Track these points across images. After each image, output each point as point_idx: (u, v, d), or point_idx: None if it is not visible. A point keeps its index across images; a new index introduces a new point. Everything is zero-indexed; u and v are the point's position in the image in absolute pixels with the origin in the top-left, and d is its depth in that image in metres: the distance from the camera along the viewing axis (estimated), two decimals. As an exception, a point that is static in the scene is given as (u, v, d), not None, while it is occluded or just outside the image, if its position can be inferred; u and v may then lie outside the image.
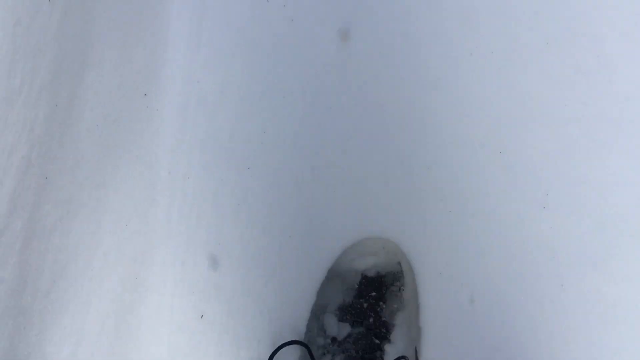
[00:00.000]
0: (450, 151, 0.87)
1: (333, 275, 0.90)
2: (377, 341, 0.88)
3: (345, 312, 0.90)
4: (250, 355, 0.87)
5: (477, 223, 0.88)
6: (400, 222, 0.89)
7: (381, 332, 0.89)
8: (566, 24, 0.83)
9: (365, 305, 0.89)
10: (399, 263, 0.89)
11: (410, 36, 0.86)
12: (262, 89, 0.87)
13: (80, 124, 0.75)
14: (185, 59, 0.87)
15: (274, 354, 0.79)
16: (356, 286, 0.90)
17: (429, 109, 0.87)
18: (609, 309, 0.85)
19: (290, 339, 0.83)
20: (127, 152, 0.84)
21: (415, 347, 0.86)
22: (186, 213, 0.90)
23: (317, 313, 0.90)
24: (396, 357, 0.82)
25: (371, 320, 0.89)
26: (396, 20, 0.86)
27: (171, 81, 0.88)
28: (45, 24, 0.67)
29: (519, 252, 0.87)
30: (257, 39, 0.86)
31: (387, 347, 0.88)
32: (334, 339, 0.89)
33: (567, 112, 0.84)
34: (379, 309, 0.89)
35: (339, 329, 0.89)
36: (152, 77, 0.86)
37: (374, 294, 0.89)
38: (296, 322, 0.88)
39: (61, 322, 0.72)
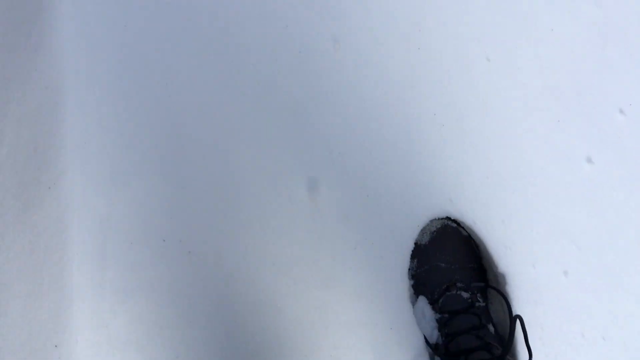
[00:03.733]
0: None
1: None
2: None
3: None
4: None
5: None
6: None
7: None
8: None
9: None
10: None
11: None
12: (169, 320, 0.95)
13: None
14: (92, 306, 0.94)
15: None
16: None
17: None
18: None
19: None
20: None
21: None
22: None
23: None
24: None
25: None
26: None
27: (80, 330, 0.93)
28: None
29: None
30: (158, 276, 0.96)
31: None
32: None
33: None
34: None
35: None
36: (61, 328, 0.91)
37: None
38: None
39: None
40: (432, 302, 0.96)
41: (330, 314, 0.96)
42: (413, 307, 0.99)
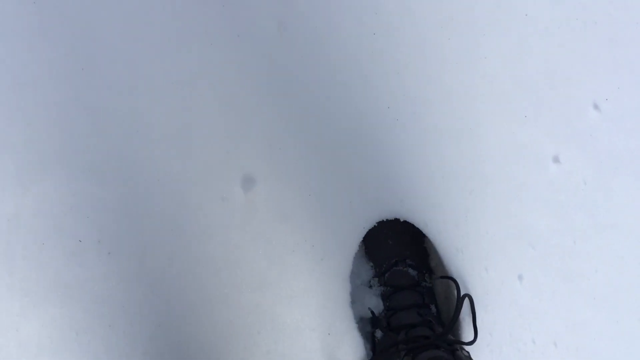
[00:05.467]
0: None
1: None
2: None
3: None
4: None
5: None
6: None
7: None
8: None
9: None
10: None
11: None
12: (87, 323, 0.89)
13: None
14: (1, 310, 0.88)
15: None
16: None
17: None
18: None
19: None
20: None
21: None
22: None
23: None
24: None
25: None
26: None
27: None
28: None
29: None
30: (74, 278, 0.89)
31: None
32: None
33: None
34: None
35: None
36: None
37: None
38: None
39: None
40: (379, 275, 0.93)
41: (263, 317, 0.91)
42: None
